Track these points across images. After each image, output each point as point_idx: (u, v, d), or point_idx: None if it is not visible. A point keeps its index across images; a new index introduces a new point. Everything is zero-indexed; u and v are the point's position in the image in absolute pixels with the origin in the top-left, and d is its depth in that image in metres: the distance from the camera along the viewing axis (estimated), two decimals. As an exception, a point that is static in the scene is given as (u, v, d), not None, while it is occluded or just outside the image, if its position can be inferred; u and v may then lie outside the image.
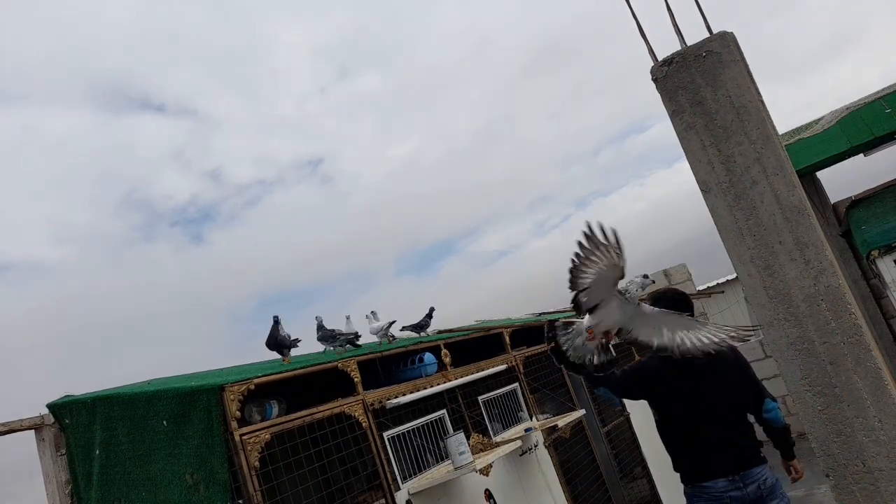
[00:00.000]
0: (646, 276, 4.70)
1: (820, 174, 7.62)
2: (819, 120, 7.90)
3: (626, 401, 6.77)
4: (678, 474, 3.26)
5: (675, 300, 3.06)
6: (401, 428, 4.28)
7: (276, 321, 4.09)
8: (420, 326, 5.46)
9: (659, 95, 3.27)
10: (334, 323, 4.70)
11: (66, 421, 3.91)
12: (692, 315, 3.10)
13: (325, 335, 4.44)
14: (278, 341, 4.06)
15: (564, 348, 2.68)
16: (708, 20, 3.22)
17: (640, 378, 2.97)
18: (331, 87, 31.97)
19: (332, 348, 4.50)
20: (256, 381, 3.40)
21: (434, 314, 5.61)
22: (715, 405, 2.69)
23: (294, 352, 4.84)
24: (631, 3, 3.35)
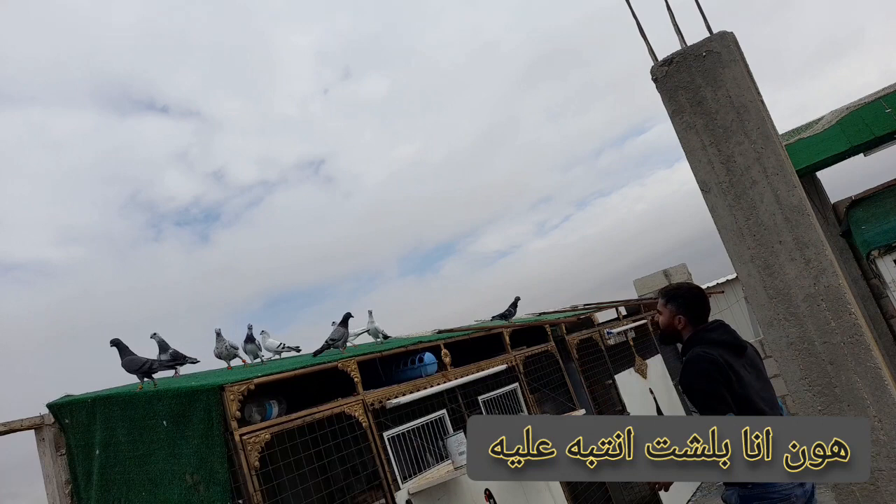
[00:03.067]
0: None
1: (820, 174, 7.61)
2: (819, 120, 7.88)
3: (626, 401, 6.81)
4: None
5: (689, 296, 2.90)
6: (401, 428, 4.27)
7: (120, 346, 3.55)
8: (506, 315, 5.95)
9: (659, 95, 3.27)
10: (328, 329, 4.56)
11: (66, 421, 3.91)
12: (708, 310, 2.89)
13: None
14: (140, 367, 3.52)
15: None
16: (708, 20, 3.22)
17: (726, 389, 2.76)
18: (334, 89, 32.03)
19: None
20: (256, 381, 3.39)
21: (518, 303, 6.12)
22: (770, 398, 2.64)
23: (293, 352, 4.82)
24: (631, 3, 3.35)
